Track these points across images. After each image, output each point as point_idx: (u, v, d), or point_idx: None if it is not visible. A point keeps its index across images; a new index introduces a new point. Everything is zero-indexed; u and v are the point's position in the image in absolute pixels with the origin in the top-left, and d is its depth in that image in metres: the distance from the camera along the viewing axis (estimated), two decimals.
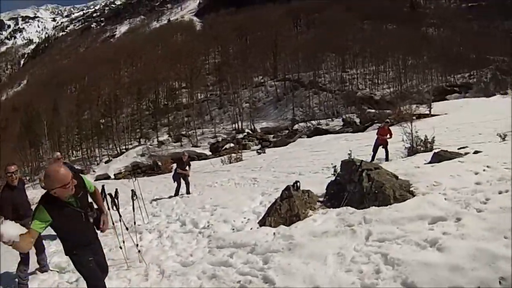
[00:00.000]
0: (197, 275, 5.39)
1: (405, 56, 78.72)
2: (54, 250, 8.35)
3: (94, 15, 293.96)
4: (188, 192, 13.98)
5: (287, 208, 7.12)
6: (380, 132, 15.95)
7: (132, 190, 9.24)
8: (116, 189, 8.12)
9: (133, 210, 8.81)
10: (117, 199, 7.76)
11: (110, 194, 7.64)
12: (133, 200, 8.97)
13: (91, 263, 4.24)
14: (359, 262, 4.49)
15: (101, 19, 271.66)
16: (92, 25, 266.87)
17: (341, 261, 4.64)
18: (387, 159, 14.97)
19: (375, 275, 4.17)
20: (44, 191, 3.96)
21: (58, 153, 10.29)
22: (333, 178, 9.01)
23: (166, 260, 6.50)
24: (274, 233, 6.17)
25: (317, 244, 5.29)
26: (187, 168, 14.36)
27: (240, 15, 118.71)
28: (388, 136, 15.70)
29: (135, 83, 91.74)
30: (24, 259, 6.29)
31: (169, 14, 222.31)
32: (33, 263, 6.82)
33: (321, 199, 8.06)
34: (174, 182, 14.37)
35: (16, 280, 6.50)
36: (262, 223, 7.39)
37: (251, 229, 7.30)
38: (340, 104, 70.55)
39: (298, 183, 7.98)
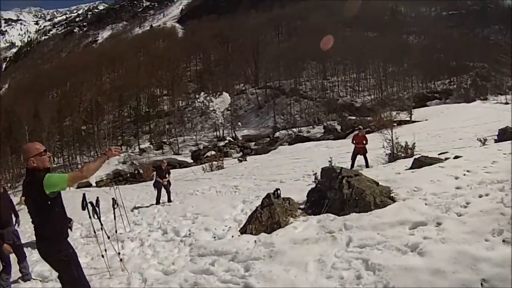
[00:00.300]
0: (179, 284, 5.36)
1: (385, 63, 79.96)
2: (36, 258, 7.99)
3: (77, 19, 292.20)
4: (169, 200, 14.02)
5: (268, 216, 7.15)
6: (356, 141, 15.90)
7: (113, 199, 9.11)
8: (97, 197, 7.85)
9: (114, 219, 8.76)
10: (98, 207, 7.55)
11: (91, 203, 7.45)
12: (114, 208, 8.88)
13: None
14: (340, 268, 4.52)
15: (84, 23, 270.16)
16: (74, 30, 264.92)
17: (322, 267, 4.67)
18: (367, 165, 14.92)
19: (356, 280, 4.20)
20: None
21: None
22: (313, 185, 9.19)
23: (148, 268, 6.47)
24: (255, 241, 6.18)
25: (298, 251, 5.31)
26: (166, 176, 14.42)
27: (222, 22, 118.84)
28: (364, 142, 15.67)
29: (116, 90, 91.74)
30: (6, 268, 6.28)
31: (151, 20, 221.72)
32: (15, 272, 6.79)
33: (302, 206, 8.09)
34: (155, 189, 14.40)
35: None
36: (243, 231, 7.40)
37: (232, 237, 7.32)
38: (321, 111, 71.24)
39: (278, 191, 7.99)
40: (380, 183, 7.62)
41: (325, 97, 77.50)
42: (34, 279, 7.01)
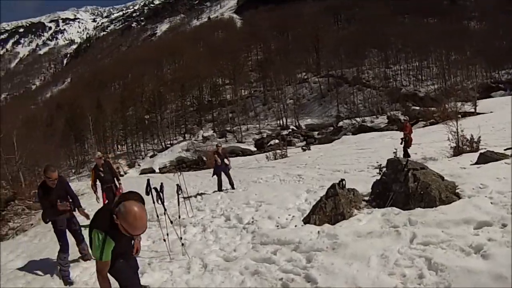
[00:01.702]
0: (239, 271, 5.40)
1: (447, 51, 75.02)
2: None
3: (134, 14, 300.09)
4: (232, 187, 13.93)
5: (332, 207, 6.98)
6: (407, 131, 15.98)
7: (177, 185, 9.28)
8: (161, 183, 8.24)
9: (178, 204, 8.85)
10: (162, 192, 7.87)
11: (155, 188, 7.78)
12: (178, 194, 9.03)
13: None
14: (403, 266, 4.43)
15: (141, 18, 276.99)
16: (132, 25, 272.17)
17: (385, 263, 4.59)
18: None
19: (418, 280, 4.12)
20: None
21: (99, 153, 10.76)
22: (378, 177, 8.88)
23: (209, 254, 6.53)
24: (318, 232, 6.10)
25: (361, 245, 5.21)
26: (224, 160, 14.37)
27: (279, 11, 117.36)
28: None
29: (178, 80, 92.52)
30: (63, 247, 6.64)
31: (208, 12, 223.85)
32: (75, 252, 7.26)
33: (366, 198, 7.94)
34: (213, 176, 14.62)
35: (58, 267, 6.76)
36: (306, 220, 7.27)
37: (295, 226, 7.16)
38: (385, 101, 69.19)
39: (343, 181, 7.80)
40: (445, 178, 7.33)
41: (388, 86, 74.84)
42: (93, 258, 7.26)
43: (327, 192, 7.45)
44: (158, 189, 7.82)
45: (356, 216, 6.59)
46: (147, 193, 7.70)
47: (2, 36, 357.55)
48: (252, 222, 8.17)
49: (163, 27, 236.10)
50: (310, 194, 9.84)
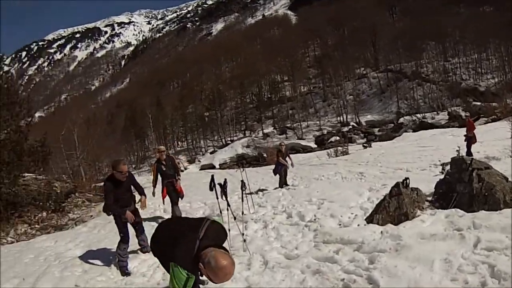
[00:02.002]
0: (300, 269, 5.33)
1: (506, 41, 68.70)
2: None
3: (188, 15, 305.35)
4: (286, 184, 14.07)
5: (395, 206, 6.85)
6: (470, 128, 15.70)
7: (241, 181, 9.15)
8: (225, 179, 8.23)
9: (242, 200, 8.87)
10: (226, 188, 7.90)
11: (219, 184, 7.85)
12: (242, 190, 8.95)
13: None
14: (466, 272, 4.31)
15: (195, 19, 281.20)
16: (187, 25, 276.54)
17: (448, 268, 4.47)
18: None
19: (480, 287, 4.02)
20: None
21: (162, 147, 10.69)
22: (441, 176, 8.87)
23: (271, 251, 6.48)
24: (381, 232, 6.01)
25: (424, 247, 5.07)
26: (287, 159, 14.44)
27: (334, 6, 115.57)
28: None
29: (237, 78, 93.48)
30: (124, 238, 6.76)
31: (262, 9, 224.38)
32: (134, 244, 7.39)
33: (429, 198, 7.86)
34: (275, 175, 14.52)
35: (116, 257, 6.91)
36: (369, 220, 7.14)
37: (358, 225, 7.08)
38: (445, 96, 66.89)
39: (407, 180, 7.55)
40: (509, 179, 7.18)
41: (447, 80, 72.22)
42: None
43: (390, 191, 7.30)
44: (222, 185, 7.84)
45: (419, 217, 6.47)
46: (211, 189, 7.99)
47: (60, 42, 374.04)
48: (315, 220, 8.09)
49: (218, 26, 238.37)
50: (373, 193, 9.80)
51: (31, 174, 17.64)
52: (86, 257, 7.64)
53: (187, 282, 3.40)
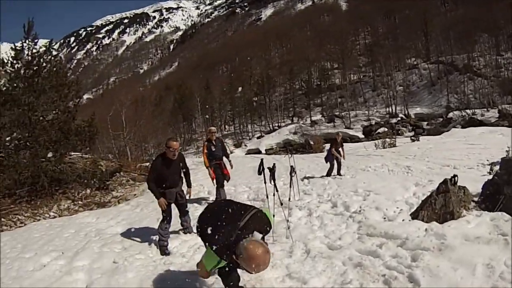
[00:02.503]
0: (342, 261, 5.35)
1: None
2: None
3: (237, 0, 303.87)
4: (339, 174, 13.76)
5: (442, 204, 6.63)
6: None
7: (291, 167, 9.22)
8: (274, 164, 8.28)
9: (290, 186, 8.82)
10: (274, 173, 7.96)
11: (269, 168, 7.94)
12: (291, 176, 8.96)
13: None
14: (507, 280, 4.24)
15: (245, 4, 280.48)
16: (236, 10, 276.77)
17: (490, 274, 4.41)
18: None
19: None
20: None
21: (213, 128, 11.04)
22: (489, 176, 8.52)
23: (314, 240, 6.49)
24: (426, 229, 5.91)
25: (468, 250, 5.00)
26: (340, 149, 14.17)
27: None
28: None
29: (286, 64, 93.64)
30: (166, 217, 6.88)
31: None
32: (176, 224, 7.57)
33: (475, 198, 7.57)
34: (327, 162, 14.21)
35: (157, 236, 7.11)
36: (414, 215, 6.96)
37: (403, 220, 6.91)
38: (496, 92, 63.63)
39: (456, 178, 7.24)
40: None
41: (499, 75, 66.88)
42: (195, 232, 7.03)
43: (438, 188, 7.04)
44: (271, 169, 7.92)
45: (464, 217, 6.31)
46: (259, 173, 8.02)
47: (108, 27, 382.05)
48: (359, 211, 7.97)
49: (267, 11, 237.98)
50: (419, 188, 9.56)
51: (77, 153, 18.32)
52: (127, 234, 8.01)
53: (217, 264, 3.71)
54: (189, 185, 7.60)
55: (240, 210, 3.92)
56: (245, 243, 3.49)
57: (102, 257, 6.59)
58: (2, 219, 11.27)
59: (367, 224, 6.75)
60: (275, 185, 7.78)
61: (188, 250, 6.82)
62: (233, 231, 3.67)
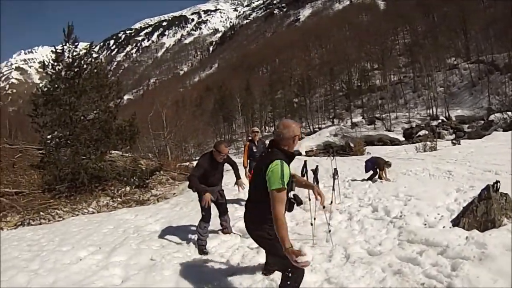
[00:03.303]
0: (382, 267, 5.24)
1: None
2: (240, 215, 8.49)
3: (275, 1, 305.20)
4: (380, 178, 13.00)
5: (483, 211, 6.36)
6: None
7: (335, 169, 9.12)
8: (317, 166, 8.32)
9: (333, 189, 8.73)
10: (317, 175, 8.01)
11: (312, 170, 7.94)
12: (334, 178, 8.93)
13: None
14: None
15: (282, 5, 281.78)
16: (274, 12, 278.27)
17: None
18: None
19: None
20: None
21: (256, 128, 10.96)
22: None
23: (354, 244, 6.33)
24: (466, 237, 5.67)
25: (508, 260, 4.72)
26: (383, 174, 13.16)
27: None
28: None
29: (326, 64, 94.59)
30: (206, 217, 6.81)
31: None
32: (216, 224, 7.50)
33: None
34: (366, 172, 13.60)
35: (195, 236, 7.10)
36: (455, 223, 6.67)
37: (443, 227, 6.67)
38: None
39: (498, 184, 6.74)
40: None
41: None
42: (234, 233, 7.58)
43: (480, 194, 6.70)
44: (314, 171, 7.91)
45: (505, 226, 6.04)
46: (302, 175, 7.59)
47: (147, 30, 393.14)
48: (400, 216, 7.75)
49: (305, 12, 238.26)
50: (460, 194, 9.24)
51: (118, 152, 18.85)
52: (165, 232, 8.07)
53: (282, 169, 3.74)
54: (238, 177, 7.71)
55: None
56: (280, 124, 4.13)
57: (140, 254, 6.73)
58: (41, 213, 11.78)
59: (407, 230, 6.60)
60: (318, 186, 6.85)
61: (226, 250, 6.83)
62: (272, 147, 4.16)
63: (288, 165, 3.89)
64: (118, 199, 14.00)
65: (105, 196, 14.09)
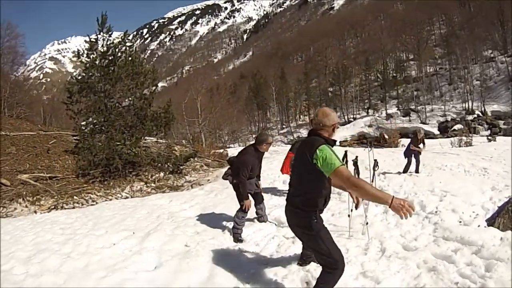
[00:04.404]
0: (417, 263, 5.26)
1: None
2: (276, 204, 8.94)
3: None
4: (417, 171, 13.34)
5: None
6: None
7: (375, 160, 8.62)
8: (356, 156, 8.16)
9: (372, 181, 8.12)
10: (358, 166, 7.93)
11: (354, 161, 7.80)
12: (374, 170, 8.45)
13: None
14: None
15: None
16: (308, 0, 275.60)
17: None
18: None
19: None
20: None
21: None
22: None
23: (390, 238, 6.35)
24: (501, 238, 5.65)
25: None
26: (421, 145, 13.86)
27: None
28: None
29: (361, 54, 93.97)
30: (244, 207, 6.78)
31: None
32: (252, 212, 7.43)
33: None
34: (405, 158, 13.86)
35: (231, 223, 7.22)
36: (490, 222, 6.64)
37: (478, 226, 6.65)
38: None
39: None
40: None
41: None
42: (270, 222, 7.66)
43: None
44: (355, 162, 7.83)
45: None
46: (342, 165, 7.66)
47: (180, 19, 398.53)
48: (436, 212, 7.75)
49: (339, 0, 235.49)
50: (495, 193, 9.12)
51: (152, 138, 19.31)
52: (200, 219, 8.23)
53: (331, 151, 3.74)
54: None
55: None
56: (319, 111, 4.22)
57: (174, 240, 6.82)
58: (75, 197, 12.35)
59: (443, 226, 6.64)
60: (358, 177, 6.85)
61: (262, 239, 6.87)
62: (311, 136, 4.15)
63: None
64: (152, 184, 14.56)
65: (139, 181, 14.72)
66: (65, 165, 15.30)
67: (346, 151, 7.95)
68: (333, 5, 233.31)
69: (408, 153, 13.81)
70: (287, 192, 4.44)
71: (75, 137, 17.85)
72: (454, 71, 77.19)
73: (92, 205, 11.60)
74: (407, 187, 10.68)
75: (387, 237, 6.38)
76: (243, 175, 6.61)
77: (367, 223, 6.71)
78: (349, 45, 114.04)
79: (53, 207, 11.46)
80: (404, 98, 78.91)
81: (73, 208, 11.26)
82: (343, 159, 6.72)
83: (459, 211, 7.66)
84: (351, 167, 6.74)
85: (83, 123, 15.54)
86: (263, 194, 7.88)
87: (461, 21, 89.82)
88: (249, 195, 6.81)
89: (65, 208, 11.25)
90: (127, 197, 12.72)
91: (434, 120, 67.27)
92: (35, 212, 11.00)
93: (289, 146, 11.14)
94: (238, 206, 6.99)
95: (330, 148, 3.75)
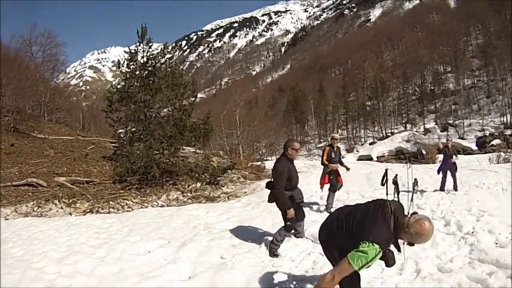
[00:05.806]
0: (451, 286, 5.12)
1: None
2: (313, 219, 8.80)
3: (344, 2, 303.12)
4: (455, 189, 12.88)
5: None
6: None
7: (415, 179, 8.66)
8: (396, 175, 7.54)
9: (411, 200, 8.14)
10: (398, 186, 7.97)
11: (394, 181, 7.20)
12: (413, 189, 8.42)
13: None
14: None
15: (352, 5, 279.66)
16: (344, 12, 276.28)
17: None
18: None
19: None
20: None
21: (336, 134, 11.13)
22: None
23: (425, 259, 6.13)
24: None
25: None
26: (453, 157, 13.41)
27: None
28: None
29: (399, 67, 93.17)
30: (289, 227, 6.65)
31: None
32: None
33: None
34: (439, 174, 13.54)
35: (267, 237, 7.20)
36: None
37: None
38: None
39: None
40: None
41: None
42: (306, 237, 7.42)
43: None
44: (395, 181, 7.48)
45: None
46: (382, 184, 7.05)
47: (218, 31, 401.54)
48: (472, 233, 7.32)
49: (375, 12, 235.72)
50: None
51: (190, 148, 19.76)
52: (236, 231, 8.15)
53: (375, 257, 3.53)
54: None
55: (374, 205, 3.95)
56: (411, 219, 3.72)
57: (210, 251, 6.82)
58: (111, 202, 12.42)
59: (479, 248, 6.33)
60: (398, 197, 6.86)
61: (298, 254, 6.72)
62: (389, 219, 3.77)
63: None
64: (188, 194, 14.59)
65: (176, 190, 14.77)
66: (103, 171, 15.73)
67: (386, 170, 7.75)
68: (369, 17, 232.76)
69: (442, 169, 13.54)
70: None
71: (113, 144, 18.60)
72: (492, 83, 77.05)
73: (127, 211, 11.90)
74: (444, 206, 10.17)
75: (422, 258, 6.21)
76: (279, 184, 6.52)
77: (404, 243, 6.74)
78: (387, 58, 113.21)
79: (88, 210, 11.79)
80: (442, 112, 77.74)
81: (109, 213, 11.60)
82: (383, 178, 6.79)
83: (496, 232, 7.24)
84: (390, 186, 6.65)
85: (122, 131, 16.15)
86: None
87: (497, 30, 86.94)
88: (291, 206, 6.61)
89: (101, 213, 11.60)
90: (163, 205, 12.94)
91: (472, 135, 65.25)
92: (70, 214, 11.34)
93: None
94: (275, 221, 7.26)
95: (376, 255, 3.56)
